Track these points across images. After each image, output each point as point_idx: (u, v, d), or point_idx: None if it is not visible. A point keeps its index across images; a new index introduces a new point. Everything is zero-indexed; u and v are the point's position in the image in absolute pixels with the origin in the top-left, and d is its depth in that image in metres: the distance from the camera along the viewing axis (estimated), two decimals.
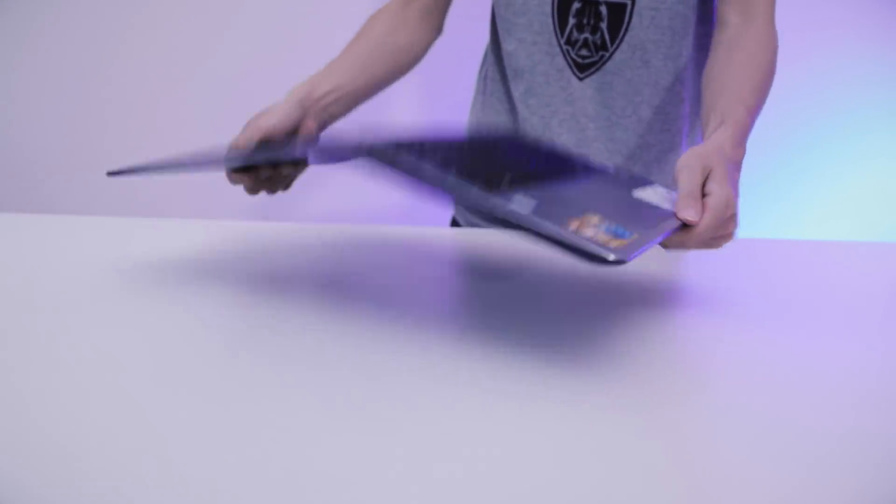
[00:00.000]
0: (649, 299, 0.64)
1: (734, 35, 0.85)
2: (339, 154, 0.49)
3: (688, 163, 0.62)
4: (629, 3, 0.88)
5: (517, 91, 0.95)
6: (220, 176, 1.82)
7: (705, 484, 0.34)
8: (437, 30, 0.94)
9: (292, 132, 0.71)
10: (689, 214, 0.57)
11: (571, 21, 0.89)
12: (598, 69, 0.91)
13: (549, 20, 0.91)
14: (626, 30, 0.89)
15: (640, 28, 0.89)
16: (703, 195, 0.60)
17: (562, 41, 0.90)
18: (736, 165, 0.67)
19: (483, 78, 1.03)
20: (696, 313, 0.61)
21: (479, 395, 0.42)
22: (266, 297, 0.60)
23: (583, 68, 0.91)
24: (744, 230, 1.89)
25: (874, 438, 0.39)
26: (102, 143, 1.58)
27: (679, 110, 0.97)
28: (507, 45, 0.95)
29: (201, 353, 0.47)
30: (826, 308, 0.65)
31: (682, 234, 0.58)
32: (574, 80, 0.92)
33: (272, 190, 0.71)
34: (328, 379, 0.44)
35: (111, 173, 0.50)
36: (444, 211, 1.11)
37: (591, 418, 0.40)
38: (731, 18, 0.87)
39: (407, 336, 0.52)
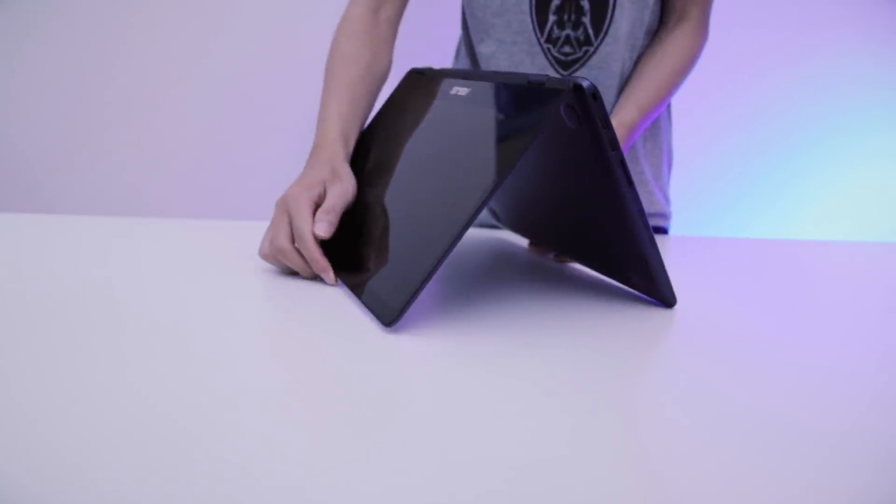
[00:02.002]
0: (647, 298, 0.64)
1: (664, 36, 0.93)
2: None
3: None
4: None
5: None
6: (219, 176, 1.82)
7: (704, 484, 0.34)
8: (395, 32, 0.91)
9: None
10: None
11: (552, 18, 0.89)
12: (582, 65, 0.91)
13: (528, 19, 0.90)
14: (611, 21, 0.89)
15: (623, 19, 0.89)
16: None
17: (542, 39, 0.90)
18: None
19: None
20: (695, 312, 0.61)
21: (475, 394, 0.42)
22: (266, 296, 0.60)
23: (566, 65, 0.91)
24: (745, 230, 1.88)
25: (874, 438, 0.39)
26: (102, 143, 1.58)
27: None
28: (486, 48, 0.94)
29: (201, 352, 0.47)
30: (826, 308, 0.65)
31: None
32: None
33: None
34: (321, 377, 0.44)
35: (391, 325, 0.52)
36: None
37: (589, 417, 0.40)
38: (667, 20, 0.94)
39: (400, 332, 0.52)
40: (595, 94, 0.49)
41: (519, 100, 0.54)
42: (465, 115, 0.60)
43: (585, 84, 0.49)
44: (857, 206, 1.71)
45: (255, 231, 0.85)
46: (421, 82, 0.74)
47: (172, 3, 1.53)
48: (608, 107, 0.92)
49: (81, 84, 1.55)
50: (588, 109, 0.50)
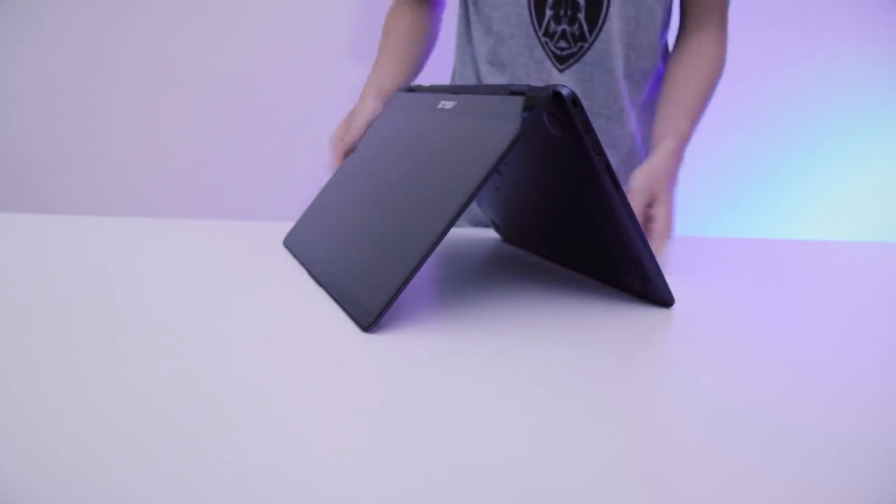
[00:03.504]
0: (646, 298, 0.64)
1: (689, 42, 0.94)
2: None
3: (638, 187, 0.73)
4: None
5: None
6: (219, 176, 1.82)
7: (705, 484, 0.34)
8: (439, 15, 1.03)
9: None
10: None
11: (548, 13, 0.91)
12: (577, 60, 0.92)
13: (526, 12, 0.92)
14: (604, 19, 0.90)
15: (618, 18, 0.91)
16: (647, 217, 0.72)
17: (539, 33, 0.91)
18: (675, 180, 0.80)
19: (459, 76, 1.04)
20: (695, 312, 0.61)
21: (474, 394, 0.42)
22: (266, 296, 0.60)
23: (562, 60, 0.92)
24: (745, 230, 1.88)
25: (874, 438, 0.39)
26: (102, 143, 1.58)
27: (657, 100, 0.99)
28: (485, 42, 0.97)
29: (201, 352, 0.47)
30: (826, 308, 0.65)
31: None
32: (555, 72, 0.93)
33: None
34: (321, 377, 0.44)
35: (369, 329, 0.53)
36: None
37: (590, 416, 0.40)
38: (688, 25, 0.95)
39: (398, 332, 0.52)
40: (575, 101, 0.51)
41: (501, 109, 0.55)
42: (450, 126, 0.62)
43: (565, 91, 0.50)
44: (858, 206, 1.71)
45: (255, 231, 0.85)
46: (410, 99, 0.77)
47: (173, 3, 1.53)
48: (606, 102, 0.94)
49: (81, 84, 1.55)
50: (569, 116, 0.51)
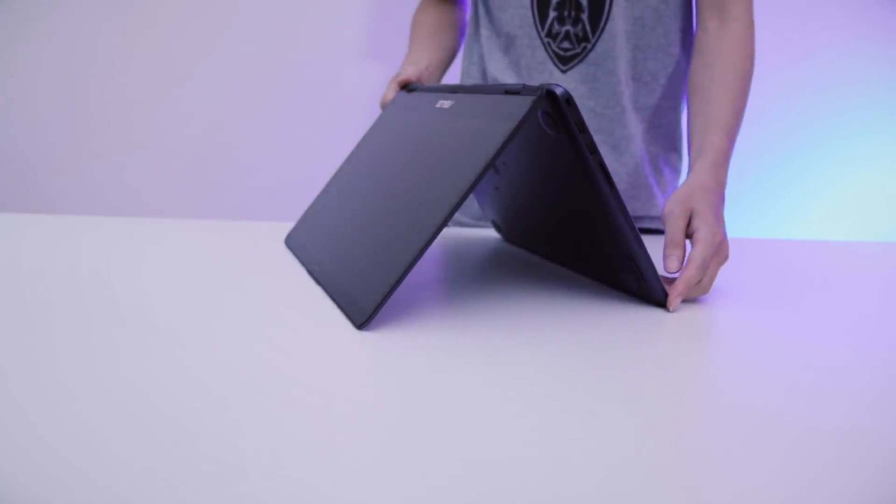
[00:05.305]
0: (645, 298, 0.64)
1: (713, 41, 0.87)
2: None
3: (671, 209, 0.66)
4: None
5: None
6: (219, 176, 1.82)
7: (703, 484, 0.34)
8: (464, 15, 1.07)
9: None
10: (670, 263, 0.62)
11: (552, 14, 0.91)
12: (580, 61, 0.92)
13: (529, 13, 0.92)
14: (607, 20, 0.90)
15: (622, 18, 0.90)
16: (690, 234, 0.65)
17: (542, 34, 0.92)
18: (717, 195, 0.71)
19: (466, 75, 1.05)
20: (695, 313, 0.61)
21: (475, 394, 0.42)
22: (266, 297, 0.60)
23: (565, 60, 0.93)
24: (745, 230, 1.89)
25: (874, 438, 0.39)
26: (102, 144, 1.58)
27: (669, 104, 0.98)
28: (489, 41, 0.98)
29: (201, 353, 0.47)
30: (826, 308, 0.65)
31: (682, 275, 0.62)
32: (556, 72, 0.93)
33: None
34: (315, 376, 0.44)
35: (363, 327, 0.53)
36: None
37: (591, 416, 0.40)
38: (708, 24, 0.88)
39: (399, 332, 0.52)
40: (569, 100, 0.51)
41: (496, 108, 0.55)
42: (447, 125, 0.62)
43: (559, 90, 0.51)
44: (858, 206, 1.71)
45: (255, 231, 0.85)
46: (409, 99, 0.78)
47: (172, 3, 1.53)
48: (609, 103, 0.93)
49: (81, 84, 1.55)
50: (564, 115, 0.51)
